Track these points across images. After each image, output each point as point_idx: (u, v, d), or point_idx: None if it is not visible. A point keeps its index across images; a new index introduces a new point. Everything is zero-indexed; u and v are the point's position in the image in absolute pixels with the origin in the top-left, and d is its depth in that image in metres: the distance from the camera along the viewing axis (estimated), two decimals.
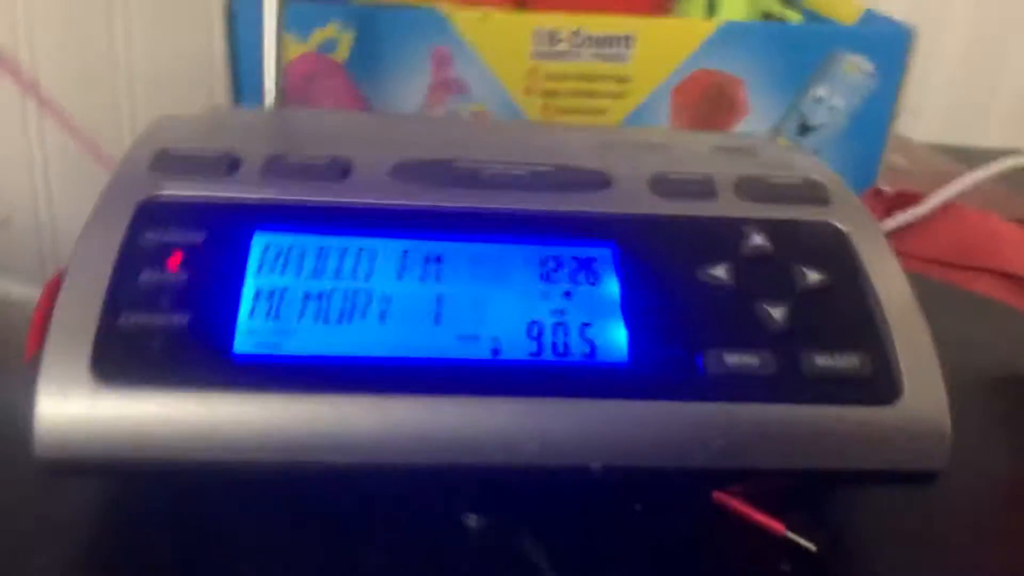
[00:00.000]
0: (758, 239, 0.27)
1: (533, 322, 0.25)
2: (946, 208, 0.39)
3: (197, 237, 0.25)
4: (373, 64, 0.43)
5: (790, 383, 0.24)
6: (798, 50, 0.42)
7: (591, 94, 0.43)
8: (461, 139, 0.31)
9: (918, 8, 0.68)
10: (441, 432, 0.22)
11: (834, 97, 0.42)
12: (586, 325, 0.25)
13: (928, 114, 0.70)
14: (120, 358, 0.22)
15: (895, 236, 0.39)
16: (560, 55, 0.42)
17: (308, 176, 0.27)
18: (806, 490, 0.27)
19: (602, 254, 0.26)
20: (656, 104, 0.43)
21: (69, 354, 0.22)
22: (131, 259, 0.24)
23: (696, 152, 0.31)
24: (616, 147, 0.31)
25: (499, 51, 0.43)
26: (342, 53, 0.43)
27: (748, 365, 0.24)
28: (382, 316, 0.24)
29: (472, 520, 0.25)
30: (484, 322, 0.24)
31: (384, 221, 0.26)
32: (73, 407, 0.21)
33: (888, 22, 0.44)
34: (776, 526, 0.26)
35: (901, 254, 0.38)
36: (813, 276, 0.26)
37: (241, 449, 0.22)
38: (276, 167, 0.27)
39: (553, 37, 0.42)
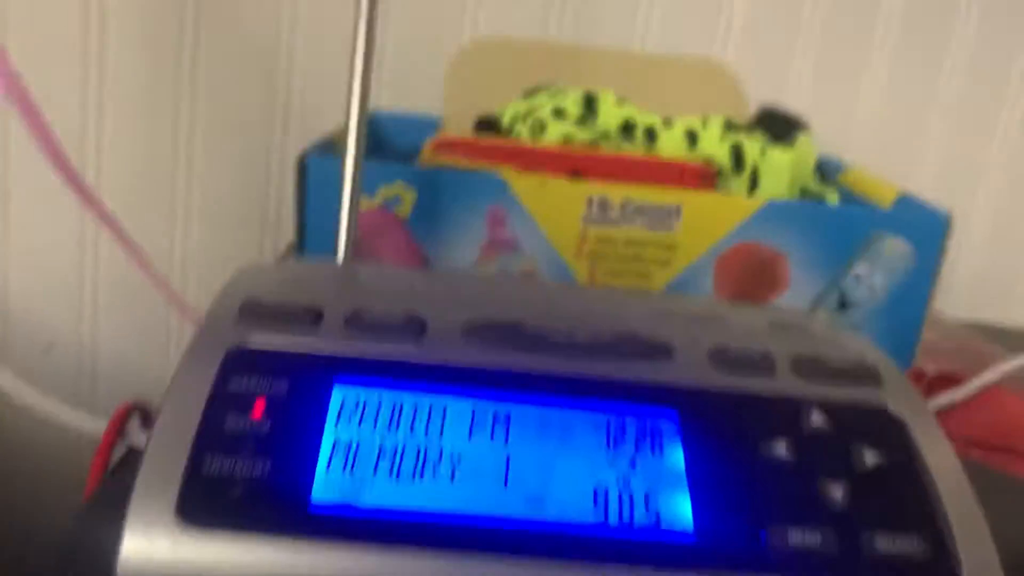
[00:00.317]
0: (817, 419, 0.28)
1: (599, 488, 0.25)
2: (985, 391, 0.40)
3: (281, 386, 0.26)
4: (432, 221, 0.46)
5: (852, 564, 0.24)
6: (840, 230, 0.44)
7: (637, 259, 0.45)
8: (526, 301, 0.32)
9: (947, 187, 0.71)
10: None
11: (874, 275, 0.44)
12: (651, 494, 0.25)
13: (956, 290, 0.72)
14: (204, 502, 0.23)
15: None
16: (611, 221, 0.44)
17: (386, 332, 0.28)
18: None
19: (667, 424, 0.27)
20: (700, 272, 0.45)
21: (156, 496, 0.22)
22: (218, 405, 0.25)
23: (751, 325, 0.33)
24: (673, 316, 0.32)
25: (553, 215, 0.45)
26: (405, 210, 0.45)
27: (811, 544, 0.24)
28: (452, 474, 0.25)
29: None
30: (551, 485, 0.25)
31: (457, 379, 0.27)
32: (157, 547, 0.22)
33: (924, 207, 0.46)
34: None
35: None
36: (871, 458, 0.27)
37: None
38: (356, 323, 0.28)
39: (605, 204, 0.44)
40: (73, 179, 0.38)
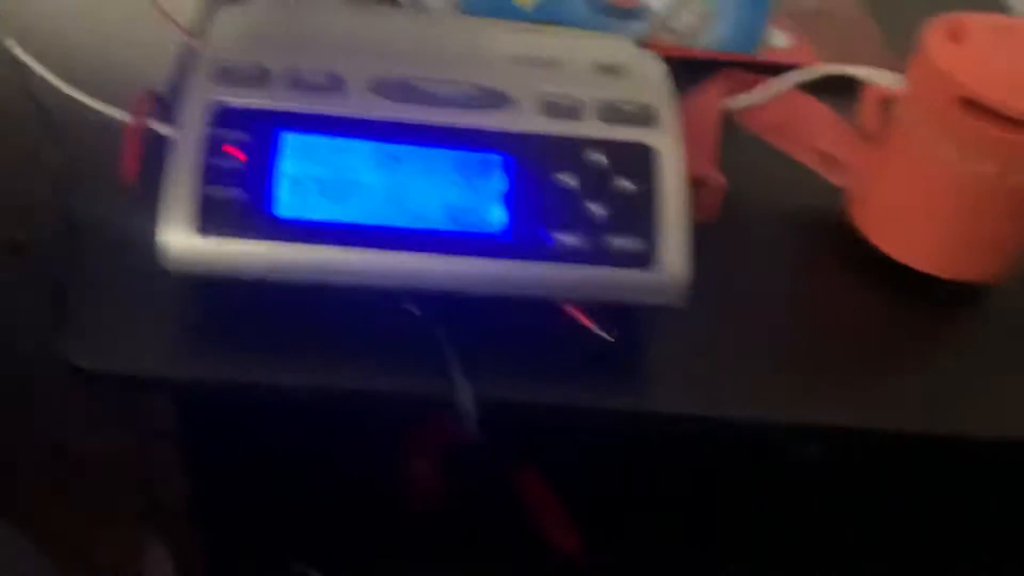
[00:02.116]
0: (598, 157, 0.43)
1: (450, 205, 0.42)
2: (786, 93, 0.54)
3: (251, 136, 0.41)
4: None
5: (596, 254, 0.42)
6: None
7: None
8: (418, 48, 0.45)
9: None
10: (398, 272, 0.41)
11: None
12: (479, 207, 0.42)
13: None
14: (213, 220, 0.39)
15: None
16: None
17: (318, 90, 0.42)
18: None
19: (498, 160, 0.42)
20: None
21: (181, 217, 0.39)
22: (213, 151, 0.40)
23: (580, 70, 0.46)
24: (522, 64, 0.46)
25: None
26: None
27: (574, 242, 0.41)
28: (363, 194, 0.41)
29: (413, 309, 0.44)
30: (421, 201, 0.41)
31: (367, 129, 0.42)
32: (186, 249, 0.39)
33: None
34: (586, 321, 0.45)
35: (746, 124, 0.54)
36: (626, 185, 0.43)
37: (281, 273, 0.40)
38: (296, 83, 0.42)
39: None
40: None
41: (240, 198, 0.40)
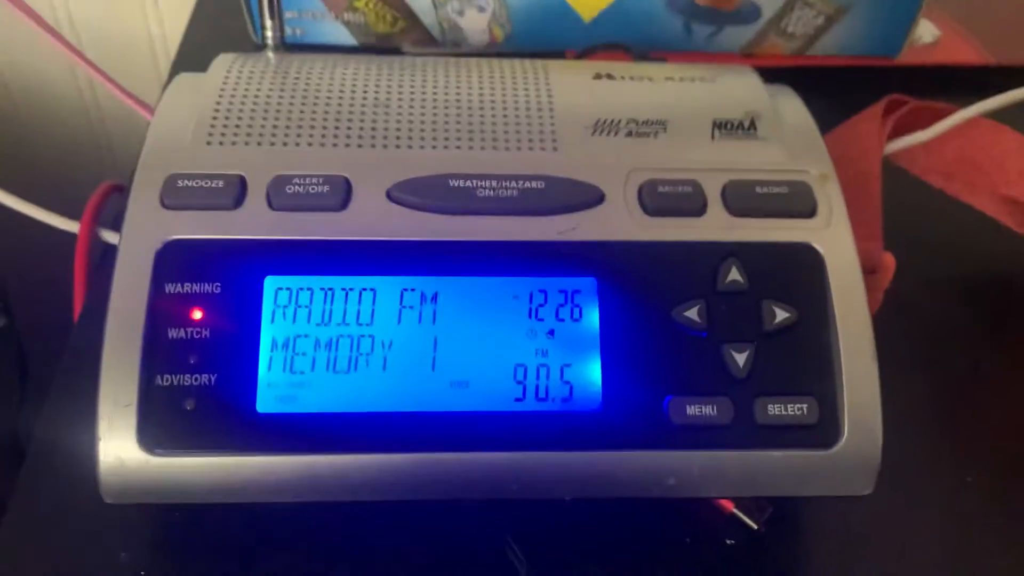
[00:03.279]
0: (735, 273, 0.29)
1: (518, 365, 0.28)
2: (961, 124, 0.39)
3: (215, 284, 0.27)
4: None
5: (742, 432, 0.27)
6: None
7: None
8: (448, 130, 0.31)
9: None
10: (437, 481, 0.27)
11: None
12: (565, 367, 0.28)
13: None
14: (160, 427, 0.26)
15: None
16: None
17: (311, 201, 0.28)
18: None
19: (586, 289, 0.28)
20: None
21: (120, 429, 0.26)
22: (158, 313, 0.26)
23: (691, 134, 0.31)
24: (602, 131, 0.31)
25: None
26: None
27: (707, 416, 0.27)
28: (384, 363, 0.27)
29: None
30: (475, 366, 0.27)
31: (384, 255, 0.28)
32: (128, 475, 0.26)
33: None
34: (726, 504, 0.31)
35: (906, 165, 0.39)
36: (780, 315, 0.28)
37: (265, 495, 0.26)
38: (280, 194, 0.28)
39: None
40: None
41: (205, 388, 0.26)
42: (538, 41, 0.44)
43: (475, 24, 0.44)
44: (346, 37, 0.44)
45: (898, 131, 0.39)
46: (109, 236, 0.37)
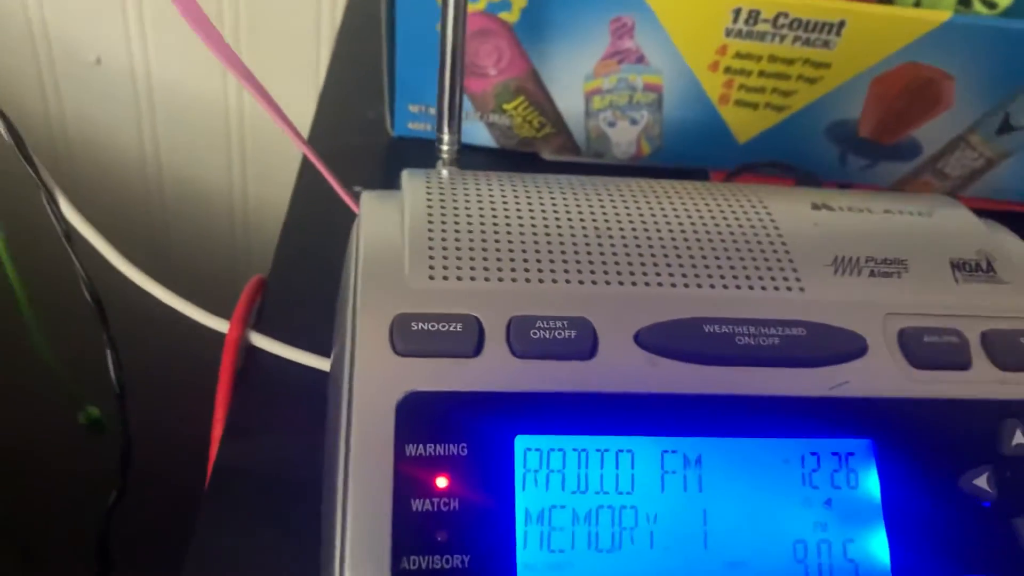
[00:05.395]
0: (1019, 434, 0.26)
1: (797, 542, 0.24)
2: None
3: (461, 445, 0.24)
4: (545, 28, 0.39)
5: None
6: (1017, 48, 0.37)
7: (781, 76, 0.39)
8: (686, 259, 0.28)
9: None
10: None
11: None
12: (848, 543, 0.25)
13: None
14: None
15: None
16: (756, 35, 0.37)
17: (556, 348, 0.25)
18: None
19: (862, 451, 0.25)
20: (851, 92, 0.39)
21: None
22: (404, 481, 0.23)
23: (934, 279, 0.29)
24: (850, 267, 0.29)
25: (689, 26, 0.38)
26: (513, 16, 0.38)
27: None
28: (651, 540, 0.24)
29: None
30: (751, 543, 0.24)
31: (640, 411, 0.25)
32: None
33: None
34: None
35: None
36: None
37: None
38: (522, 341, 0.25)
39: (754, 16, 0.37)
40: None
41: (458, 572, 0.23)
42: (686, 159, 0.42)
43: (625, 136, 0.42)
44: (485, 139, 0.41)
45: None
46: (257, 339, 0.33)
